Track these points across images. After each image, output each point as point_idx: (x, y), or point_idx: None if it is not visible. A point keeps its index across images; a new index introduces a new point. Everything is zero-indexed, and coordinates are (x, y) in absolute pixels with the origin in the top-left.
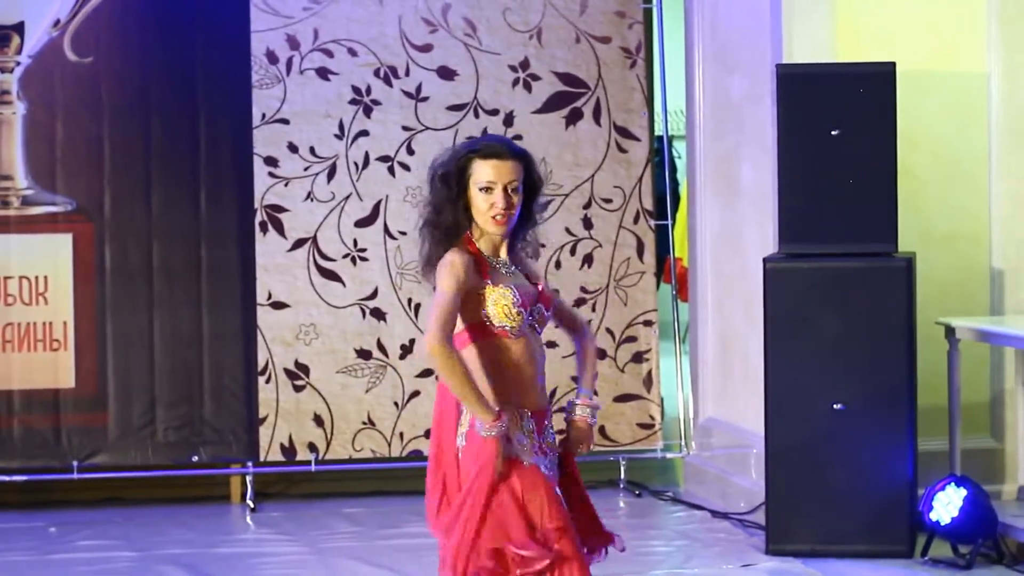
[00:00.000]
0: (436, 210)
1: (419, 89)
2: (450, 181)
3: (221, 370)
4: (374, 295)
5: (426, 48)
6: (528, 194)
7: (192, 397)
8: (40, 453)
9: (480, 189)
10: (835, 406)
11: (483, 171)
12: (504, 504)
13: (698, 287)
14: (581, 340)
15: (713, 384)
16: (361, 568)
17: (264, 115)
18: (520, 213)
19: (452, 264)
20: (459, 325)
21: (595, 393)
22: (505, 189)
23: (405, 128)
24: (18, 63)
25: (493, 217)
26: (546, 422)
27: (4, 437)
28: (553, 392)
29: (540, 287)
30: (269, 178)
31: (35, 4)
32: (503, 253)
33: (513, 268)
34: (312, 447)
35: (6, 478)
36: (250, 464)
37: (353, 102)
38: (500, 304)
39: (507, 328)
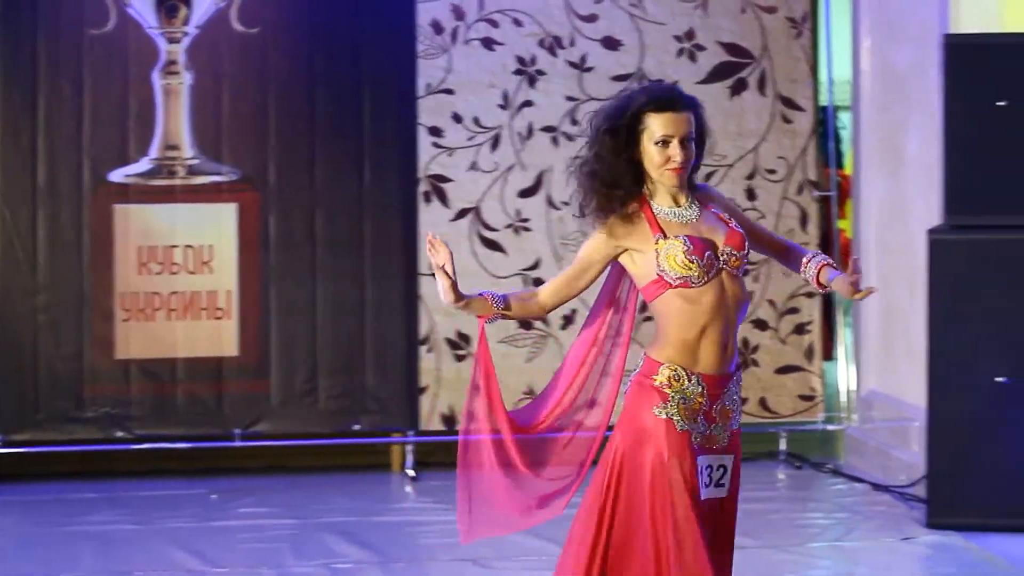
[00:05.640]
0: (600, 161)
1: (584, 59)
2: (619, 135)
3: (383, 339)
4: (536, 265)
5: (591, 18)
6: (699, 140)
7: (354, 366)
8: (203, 420)
9: (656, 143)
10: (998, 379)
11: (658, 125)
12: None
13: (862, 258)
14: (792, 254)
15: (875, 356)
16: (521, 538)
17: (429, 85)
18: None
19: (588, 241)
20: (644, 281)
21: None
22: (682, 141)
23: (569, 98)
24: (185, 34)
25: (671, 170)
26: (727, 388)
27: (168, 404)
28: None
29: (729, 227)
30: (433, 148)
31: None
32: (683, 201)
33: (698, 214)
34: None
35: (169, 445)
36: (411, 433)
37: (517, 72)
38: (671, 257)
39: (687, 278)
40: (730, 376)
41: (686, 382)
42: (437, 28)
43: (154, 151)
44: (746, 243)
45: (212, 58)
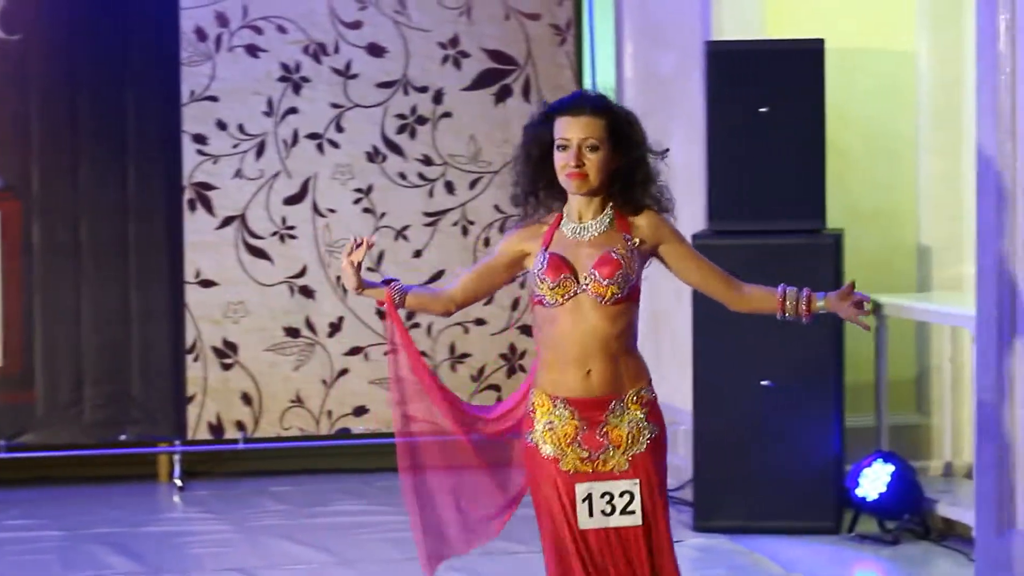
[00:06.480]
0: (515, 168)
1: (348, 66)
2: (532, 140)
3: (148, 348)
4: (302, 273)
5: (355, 25)
6: (629, 151)
7: (119, 375)
8: None
9: (556, 148)
10: (762, 383)
11: (558, 128)
12: None
13: None
14: (739, 293)
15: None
16: (288, 546)
17: (193, 92)
18: (623, 172)
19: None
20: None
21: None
22: (579, 146)
23: (334, 105)
24: None
25: (567, 175)
26: (609, 410)
27: None
28: (482, 369)
29: (605, 252)
30: (198, 156)
31: None
32: (588, 217)
33: (599, 232)
34: (240, 425)
35: None
36: (177, 442)
37: (282, 79)
38: (534, 271)
39: (541, 297)
40: (607, 400)
41: (550, 407)
42: (201, 35)
43: None
44: (618, 273)
45: None
